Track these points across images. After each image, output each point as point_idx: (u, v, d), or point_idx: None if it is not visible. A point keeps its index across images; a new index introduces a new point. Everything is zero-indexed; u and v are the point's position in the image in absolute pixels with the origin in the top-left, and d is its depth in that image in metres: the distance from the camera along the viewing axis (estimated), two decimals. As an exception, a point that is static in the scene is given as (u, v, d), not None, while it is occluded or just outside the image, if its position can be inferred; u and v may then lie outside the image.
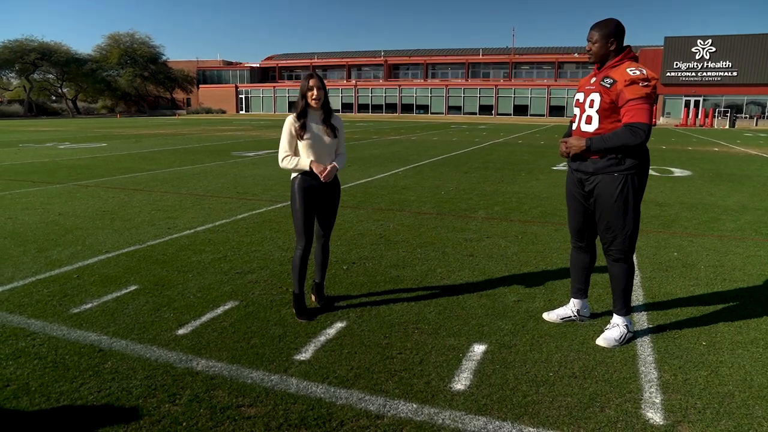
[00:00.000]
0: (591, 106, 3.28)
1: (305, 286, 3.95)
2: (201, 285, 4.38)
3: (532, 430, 2.50)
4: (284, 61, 78.73)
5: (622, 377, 3.00)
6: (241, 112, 75.22)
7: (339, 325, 3.66)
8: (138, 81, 67.65)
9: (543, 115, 62.37)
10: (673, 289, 4.42)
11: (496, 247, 5.66)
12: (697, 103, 51.96)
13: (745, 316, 3.88)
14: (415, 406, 2.69)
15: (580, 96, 3.42)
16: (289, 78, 78.05)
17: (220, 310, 3.86)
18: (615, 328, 3.42)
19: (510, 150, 18.39)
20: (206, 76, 78.55)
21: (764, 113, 52.29)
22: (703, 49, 51.38)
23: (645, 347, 3.36)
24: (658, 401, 2.76)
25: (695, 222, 7.00)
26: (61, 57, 60.92)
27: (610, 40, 3.25)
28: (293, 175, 3.74)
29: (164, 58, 72.95)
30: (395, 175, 11.35)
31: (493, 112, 64.91)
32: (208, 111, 70.10)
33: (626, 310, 3.44)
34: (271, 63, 79.21)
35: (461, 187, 9.88)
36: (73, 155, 15.20)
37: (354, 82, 71.49)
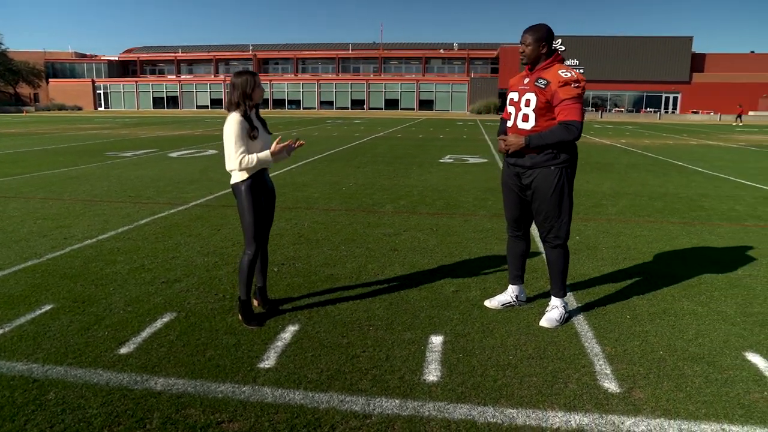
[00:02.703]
0: (527, 105, 3.50)
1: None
2: (127, 298, 4.06)
3: (513, 411, 2.66)
4: (146, 55, 73.93)
5: (572, 354, 3.26)
6: (99, 108, 69.52)
7: (292, 328, 3.59)
8: (-29, 74, 60.14)
9: (413, 109, 64.48)
10: (586, 270, 4.84)
11: (416, 241, 5.82)
12: (551, 97, 56.47)
13: (652, 289, 4.37)
14: (398, 401, 2.73)
15: (514, 95, 3.63)
16: (152, 72, 73.48)
17: (159, 324, 3.62)
18: (555, 310, 3.70)
19: (393, 144, 18.84)
20: (57, 69, 71.55)
21: (606, 107, 58.42)
22: (555, 47, 55.99)
23: (582, 325, 3.68)
24: (609, 372, 3.04)
25: (583, 207, 7.68)
26: None
27: (542, 44, 3.49)
28: (240, 178, 3.57)
29: (3, 47, 65.48)
30: (290, 172, 11.20)
31: (364, 106, 65.94)
32: (62, 108, 63.95)
33: (563, 292, 3.73)
34: (131, 56, 74.01)
35: (359, 182, 9.98)
36: None
37: (222, 77, 68.91)
